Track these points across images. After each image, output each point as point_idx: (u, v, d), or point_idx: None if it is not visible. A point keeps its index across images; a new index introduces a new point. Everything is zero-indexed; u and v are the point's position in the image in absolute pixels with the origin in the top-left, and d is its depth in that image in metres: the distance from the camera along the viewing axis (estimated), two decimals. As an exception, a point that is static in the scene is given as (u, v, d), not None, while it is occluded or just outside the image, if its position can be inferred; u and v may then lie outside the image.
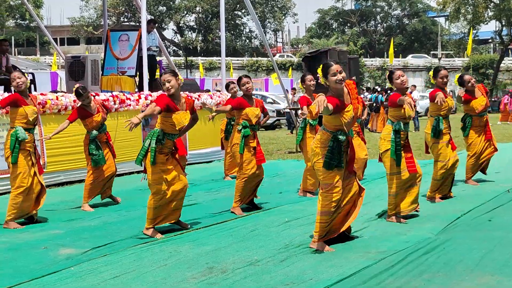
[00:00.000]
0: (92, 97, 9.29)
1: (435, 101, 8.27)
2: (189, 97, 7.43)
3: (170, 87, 7.04)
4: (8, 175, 10.12)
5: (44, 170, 8.35)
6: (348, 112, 6.19)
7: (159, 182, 7.07)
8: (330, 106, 5.95)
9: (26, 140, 7.85)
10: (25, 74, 8.26)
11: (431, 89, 9.84)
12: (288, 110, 22.41)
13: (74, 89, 9.08)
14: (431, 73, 9.10)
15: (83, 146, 9.13)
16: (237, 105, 8.51)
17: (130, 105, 12.48)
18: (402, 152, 7.41)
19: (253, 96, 8.72)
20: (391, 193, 7.52)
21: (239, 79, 8.69)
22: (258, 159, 8.49)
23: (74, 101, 11.34)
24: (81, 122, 9.06)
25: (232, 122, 11.52)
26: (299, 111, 11.49)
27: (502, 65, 50.63)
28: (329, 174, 6.22)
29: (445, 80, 8.93)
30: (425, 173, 8.52)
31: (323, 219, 6.27)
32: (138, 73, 14.58)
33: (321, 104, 5.75)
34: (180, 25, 69.52)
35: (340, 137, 6.20)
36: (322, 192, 6.28)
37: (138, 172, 12.79)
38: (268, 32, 70.24)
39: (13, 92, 8.31)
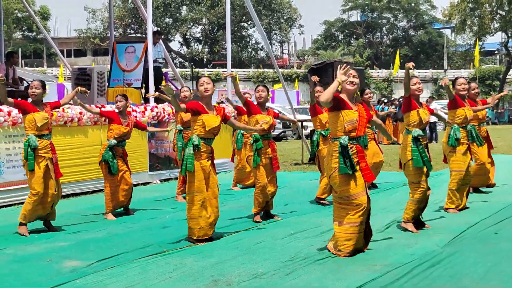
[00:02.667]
0: (126, 108, 9.57)
1: (439, 84, 8.56)
2: (220, 106, 7.65)
3: (208, 89, 7.27)
4: (6, 188, 10.23)
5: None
6: (352, 113, 6.36)
7: (200, 190, 7.20)
8: (327, 95, 6.14)
9: (39, 147, 8.03)
10: (46, 86, 8.52)
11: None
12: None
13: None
14: (449, 82, 9.20)
15: (99, 157, 9.30)
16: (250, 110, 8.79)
17: (136, 117, 12.50)
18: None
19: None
20: (412, 198, 7.67)
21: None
22: (274, 166, 8.72)
23: (80, 113, 11.37)
24: (108, 126, 9.37)
25: (243, 132, 11.64)
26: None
27: (508, 76, 50.59)
28: (346, 186, 6.33)
29: (464, 86, 9.15)
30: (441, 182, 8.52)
31: (353, 230, 6.38)
32: (144, 85, 14.62)
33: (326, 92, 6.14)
34: (187, 36, 69.74)
35: (342, 141, 6.31)
36: (342, 205, 6.40)
37: (144, 184, 12.81)
38: (274, 44, 70.36)
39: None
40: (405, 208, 7.69)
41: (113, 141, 9.20)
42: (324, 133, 9.87)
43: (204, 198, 7.23)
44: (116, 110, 9.50)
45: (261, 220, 8.57)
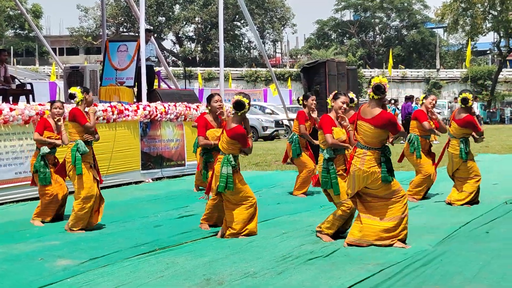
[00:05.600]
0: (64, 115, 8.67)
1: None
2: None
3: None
4: (5, 186, 10.19)
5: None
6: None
7: (244, 199, 7.38)
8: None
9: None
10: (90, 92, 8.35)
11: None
12: (287, 121, 22.45)
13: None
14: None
15: (30, 166, 8.71)
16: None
17: (128, 115, 12.48)
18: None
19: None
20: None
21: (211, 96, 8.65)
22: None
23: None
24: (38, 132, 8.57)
25: None
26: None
27: (500, 76, 50.72)
28: (392, 185, 6.67)
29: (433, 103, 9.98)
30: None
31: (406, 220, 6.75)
32: (136, 84, 14.59)
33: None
34: (179, 35, 69.63)
35: (387, 153, 6.68)
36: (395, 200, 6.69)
37: (136, 182, 12.78)
38: (267, 43, 70.33)
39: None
40: (326, 220, 7.26)
41: (46, 149, 8.50)
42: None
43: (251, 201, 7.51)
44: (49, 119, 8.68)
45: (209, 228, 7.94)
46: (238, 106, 7.23)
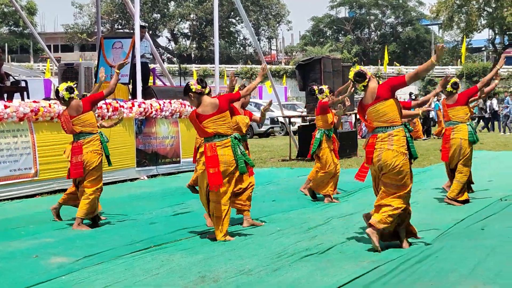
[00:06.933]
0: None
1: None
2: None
3: None
4: (0, 183, 10.15)
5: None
6: None
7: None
8: None
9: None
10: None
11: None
12: (282, 118, 22.44)
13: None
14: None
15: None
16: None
17: (123, 112, 12.43)
18: None
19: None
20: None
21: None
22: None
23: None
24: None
25: None
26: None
27: (495, 73, 50.79)
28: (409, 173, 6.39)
29: None
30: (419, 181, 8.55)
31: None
32: (131, 81, 14.55)
33: None
34: (174, 32, 69.56)
35: (408, 127, 6.46)
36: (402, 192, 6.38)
37: (131, 180, 12.76)
38: (262, 40, 70.32)
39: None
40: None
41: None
42: (327, 133, 9.79)
43: None
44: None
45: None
46: (202, 82, 7.35)
